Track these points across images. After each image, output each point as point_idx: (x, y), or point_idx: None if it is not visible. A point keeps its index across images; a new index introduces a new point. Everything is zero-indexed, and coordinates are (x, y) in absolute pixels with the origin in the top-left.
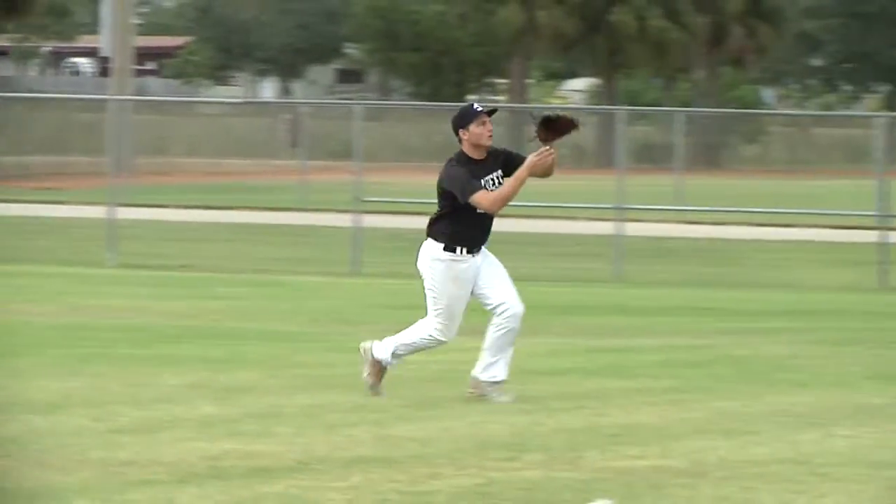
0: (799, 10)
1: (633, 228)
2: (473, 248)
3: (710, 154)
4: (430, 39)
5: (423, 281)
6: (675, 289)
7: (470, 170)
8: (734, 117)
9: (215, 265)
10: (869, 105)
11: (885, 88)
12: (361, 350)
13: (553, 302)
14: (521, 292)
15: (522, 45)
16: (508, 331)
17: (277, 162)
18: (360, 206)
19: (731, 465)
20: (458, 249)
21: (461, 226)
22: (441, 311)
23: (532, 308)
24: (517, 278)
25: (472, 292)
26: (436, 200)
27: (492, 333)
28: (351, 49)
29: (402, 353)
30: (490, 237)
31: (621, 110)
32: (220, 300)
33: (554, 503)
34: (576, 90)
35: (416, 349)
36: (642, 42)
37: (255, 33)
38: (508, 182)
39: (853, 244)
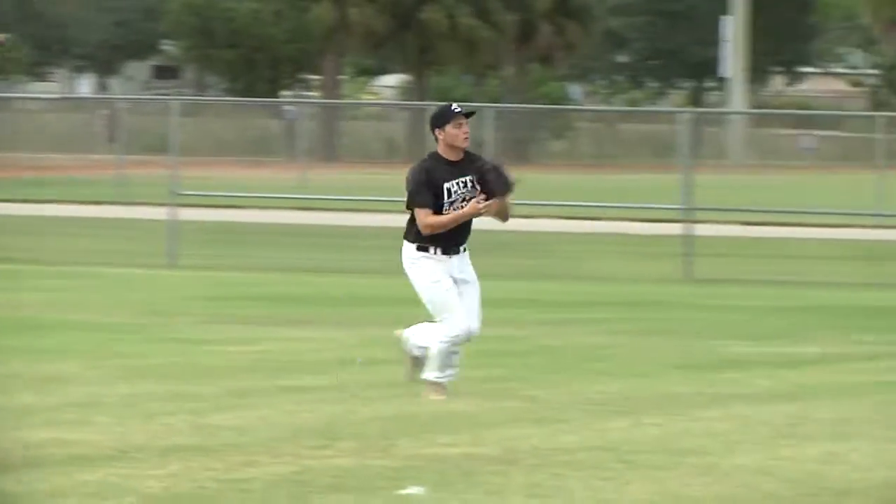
0: (606, 8)
1: None
2: (449, 250)
3: (519, 149)
4: (244, 36)
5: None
6: (489, 280)
7: (440, 170)
8: (542, 113)
9: (36, 258)
10: (674, 101)
11: (689, 84)
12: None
13: (370, 294)
14: (339, 284)
15: (335, 42)
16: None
17: (95, 156)
18: (176, 199)
19: (542, 452)
20: (432, 249)
21: None
22: (437, 307)
23: (351, 299)
24: (337, 271)
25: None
26: (252, 194)
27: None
28: (167, 46)
29: (442, 362)
30: (354, 231)
31: (432, 106)
32: (40, 292)
33: (366, 490)
34: (387, 86)
35: (447, 353)
36: (453, 39)
37: (72, 30)
38: (450, 215)
39: (659, 236)
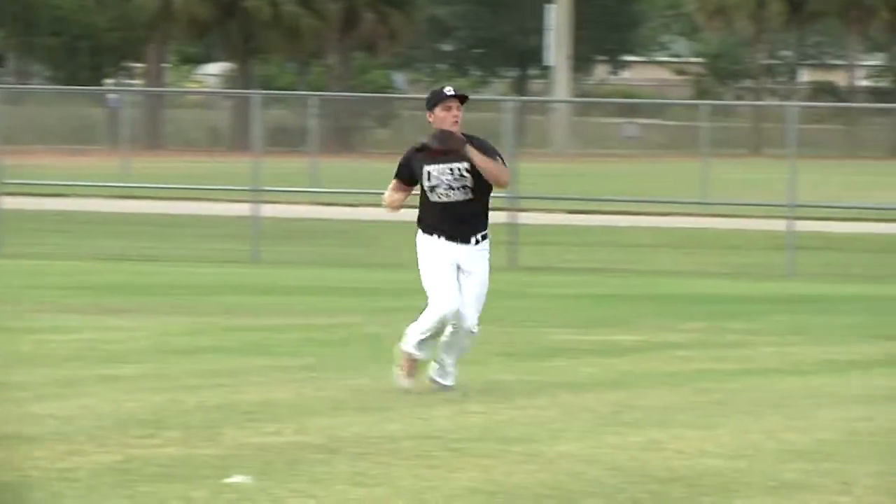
0: None
1: (268, 210)
2: (454, 237)
3: (343, 137)
4: (67, 24)
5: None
6: (311, 269)
7: (430, 154)
8: (367, 101)
9: None
10: (498, 89)
11: (513, 73)
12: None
13: (192, 282)
14: (159, 273)
15: (159, 29)
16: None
17: None
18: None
19: (367, 440)
20: (435, 235)
21: (426, 212)
22: (430, 284)
23: (172, 288)
24: (159, 259)
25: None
26: (75, 182)
27: (442, 339)
28: None
29: (423, 338)
30: (177, 220)
31: (256, 94)
32: None
33: (192, 479)
34: (211, 75)
35: (430, 331)
36: (276, 27)
37: None
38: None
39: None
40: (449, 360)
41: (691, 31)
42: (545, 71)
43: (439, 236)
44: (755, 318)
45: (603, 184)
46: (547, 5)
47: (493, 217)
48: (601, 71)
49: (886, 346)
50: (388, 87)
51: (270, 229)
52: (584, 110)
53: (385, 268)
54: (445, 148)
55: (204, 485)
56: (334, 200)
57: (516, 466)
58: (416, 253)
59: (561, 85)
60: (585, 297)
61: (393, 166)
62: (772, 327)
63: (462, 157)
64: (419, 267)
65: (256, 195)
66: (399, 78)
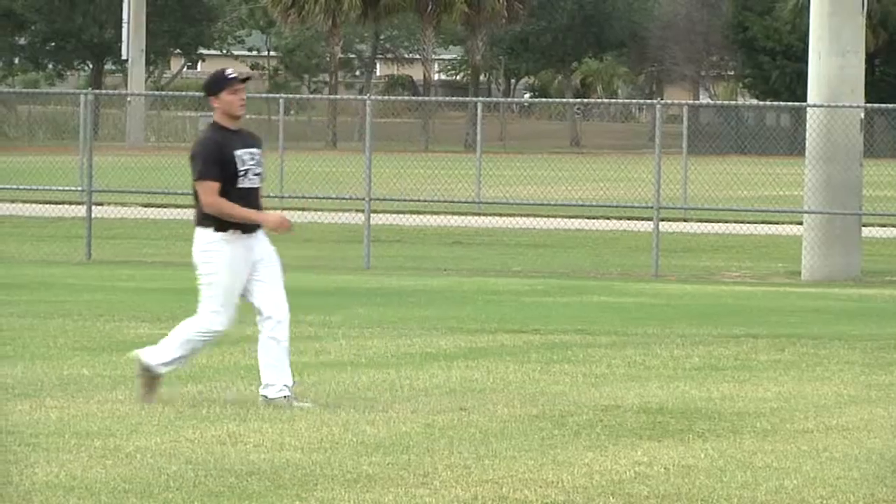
0: None
1: None
2: (248, 229)
3: None
4: None
5: (197, 274)
6: None
7: (228, 138)
8: None
9: None
10: (74, 83)
11: (89, 66)
12: (134, 360)
13: None
14: None
15: None
16: (277, 341)
17: None
18: None
19: None
20: (231, 229)
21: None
22: (215, 297)
23: None
24: None
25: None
26: None
27: (262, 344)
28: None
29: (180, 355)
30: None
31: None
32: None
33: None
34: None
35: (195, 348)
36: None
37: None
38: (245, 211)
39: (59, 218)
40: (182, 356)
41: (267, 25)
42: (122, 64)
43: (235, 230)
44: (332, 311)
45: (178, 177)
46: None
47: (68, 210)
48: (177, 64)
49: (462, 338)
50: None
51: None
52: (160, 103)
53: None
54: None
55: None
56: None
57: (94, 461)
58: (202, 254)
59: (136, 78)
60: (162, 291)
61: None
62: (349, 320)
63: (257, 144)
64: (213, 272)
65: None
66: None
